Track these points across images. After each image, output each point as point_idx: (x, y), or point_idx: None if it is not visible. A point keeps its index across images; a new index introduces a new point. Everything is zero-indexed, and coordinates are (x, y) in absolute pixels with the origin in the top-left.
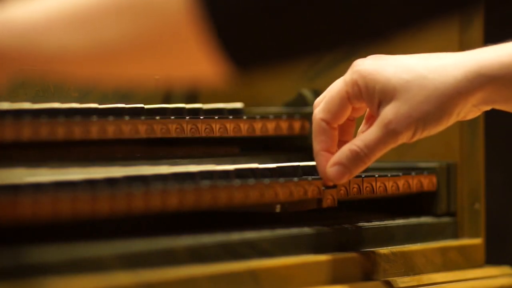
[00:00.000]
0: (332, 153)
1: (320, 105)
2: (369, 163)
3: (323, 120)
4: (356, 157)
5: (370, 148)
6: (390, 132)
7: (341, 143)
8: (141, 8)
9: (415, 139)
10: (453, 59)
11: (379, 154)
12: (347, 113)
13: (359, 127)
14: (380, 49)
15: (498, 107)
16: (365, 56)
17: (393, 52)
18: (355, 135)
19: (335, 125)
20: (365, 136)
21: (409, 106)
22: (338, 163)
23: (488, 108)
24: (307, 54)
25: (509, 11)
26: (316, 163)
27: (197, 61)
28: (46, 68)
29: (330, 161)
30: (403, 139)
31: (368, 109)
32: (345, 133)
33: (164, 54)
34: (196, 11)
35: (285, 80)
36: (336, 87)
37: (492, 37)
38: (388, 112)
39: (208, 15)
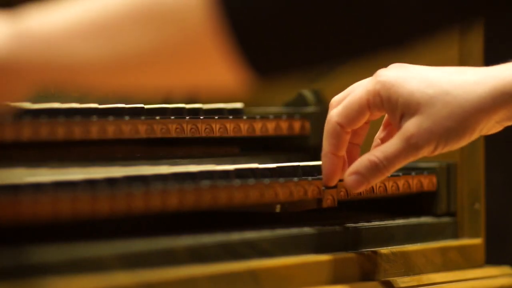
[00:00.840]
0: (339, 157)
1: (338, 108)
2: (388, 174)
3: (338, 124)
4: (375, 168)
5: (390, 160)
6: (411, 146)
7: (352, 145)
8: (162, 18)
9: (436, 153)
10: (476, 75)
11: (398, 166)
12: (364, 120)
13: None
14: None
15: None
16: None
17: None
18: (367, 139)
19: (349, 130)
20: (385, 148)
21: (432, 121)
22: (356, 173)
23: (510, 123)
24: (324, 61)
25: (509, 16)
26: (322, 163)
27: (217, 70)
28: (66, 79)
29: (348, 169)
30: (424, 153)
31: (386, 116)
32: (357, 136)
33: (185, 63)
34: (216, 20)
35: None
36: (357, 94)
37: (491, 42)
38: (410, 126)
39: (229, 24)
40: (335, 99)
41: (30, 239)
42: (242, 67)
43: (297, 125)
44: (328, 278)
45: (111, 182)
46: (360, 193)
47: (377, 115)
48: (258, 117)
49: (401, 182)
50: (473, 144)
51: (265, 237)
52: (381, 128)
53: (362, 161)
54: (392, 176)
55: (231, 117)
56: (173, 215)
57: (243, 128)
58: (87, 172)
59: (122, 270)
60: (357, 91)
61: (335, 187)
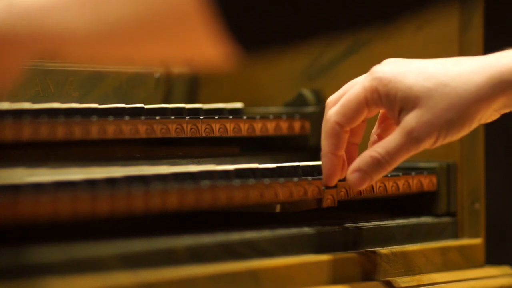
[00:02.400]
0: (339, 156)
1: (336, 108)
2: (390, 169)
3: (337, 123)
4: (377, 164)
5: (392, 155)
6: (412, 140)
7: (350, 144)
8: None
9: (437, 145)
10: (472, 65)
11: (400, 160)
12: (363, 117)
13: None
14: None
15: None
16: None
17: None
18: (364, 138)
19: (348, 129)
20: (386, 143)
21: (431, 114)
22: (359, 170)
23: (508, 110)
24: (312, 39)
25: (509, 11)
26: (322, 164)
27: (202, 43)
28: (54, 50)
29: (350, 167)
30: (425, 145)
31: (380, 112)
32: (355, 135)
33: (169, 35)
34: None
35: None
36: (354, 92)
37: (492, 37)
38: (410, 119)
39: None
40: (331, 99)
41: (30, 239)
42: (227, 41)
43: (297, 125)
44: (328, 278)
45: (111, 182)
46: (360, 193)
47: (374, 112)
48: (258, 117)
49: (401, 182)
50: (473, 144)
51: (265, 237)
52: (377, 124)
53: (363, 158)
54: (392, 176)
55: (231, 117)
56: (173, 215)
57: (243, 128)
58: (87, 172)
59: (122, 270)
60: (354, 89)
61: (335, 187)
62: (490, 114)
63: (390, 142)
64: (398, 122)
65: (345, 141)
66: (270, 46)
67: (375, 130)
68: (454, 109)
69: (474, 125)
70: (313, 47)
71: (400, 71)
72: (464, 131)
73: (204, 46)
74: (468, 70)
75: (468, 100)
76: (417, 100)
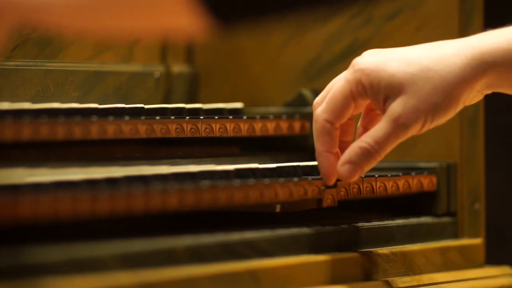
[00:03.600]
0: (333, 154)
1: (323, 106)
2: (380, 159)
3: (327, 121)
4: (367, 154)
5: (380, 144)
6: (400, 126)
7: (343, 143)
8: None
9: (424, 130)
10: (453, 47)
11: (389, 149)
12: (350, 111)
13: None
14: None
15: (503, 91)
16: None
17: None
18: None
19: (338, 125)
20: (374, 132)
21: (417, 99)
22: (349, 162)
23: (490, 91)
24: (287, 10)
25: (509, 11)
26: (319, 163)
27: (176, 14)
28: (33, 20)
29: (340, 160)
30: (413, 131)
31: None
32: (345, 133)
33: (145, 6)
34: None
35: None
36: (338, 87)
37: None
38: (396, 107)
39: None
40: (317, 100)
41: (30, 239)
42: (202, 11)
43: (297, 125)
44: (328, 278)
45: (111, 182)
46: (360, 193)
47: (361, 105)
48: (258, 117)
49: (401, 182)
50: (473, 144)
51: (265, 237)
52: (362, 116)
53: (353, 149)
54: (392, 176)
55: (231, 117)
56: (173, 215)
57: (243, 128)
58: (87, 172)
59: (122, 270)
60: (338, 84)
61: (335, 186)
62: (474, 95)
63: (378, 131)
64: (384, 111)
65: (337, 138)
66: (246, 16)
67: (360, 123)
68: (438, 92)
69: (459, 107)
70: (293, 20)
71: (381, 60)
72: (450, 114)
73: (178, 16)
74: (449, 53)
75: (451, 83)
76: (401, 86)
